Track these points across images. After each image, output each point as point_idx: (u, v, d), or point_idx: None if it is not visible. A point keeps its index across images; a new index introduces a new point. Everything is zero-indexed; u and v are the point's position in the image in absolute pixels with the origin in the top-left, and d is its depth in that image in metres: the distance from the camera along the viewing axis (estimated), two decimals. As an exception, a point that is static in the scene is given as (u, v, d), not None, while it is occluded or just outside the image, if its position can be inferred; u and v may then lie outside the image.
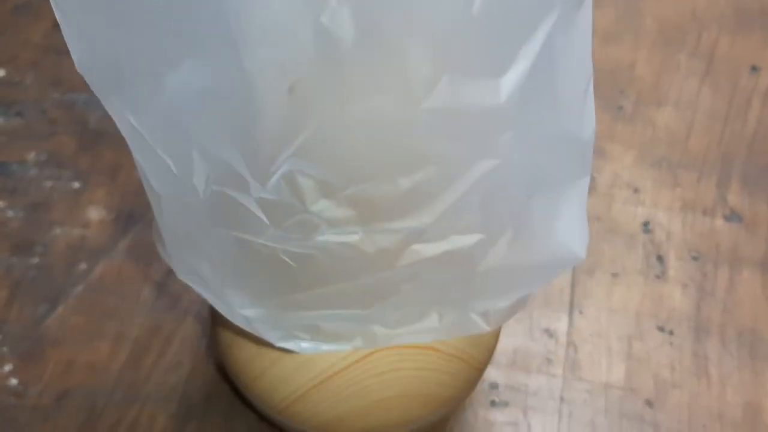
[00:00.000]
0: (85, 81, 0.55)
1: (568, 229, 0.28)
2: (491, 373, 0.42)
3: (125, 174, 0.50)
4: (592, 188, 0.50)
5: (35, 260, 0.46)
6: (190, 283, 0.30)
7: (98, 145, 0.52)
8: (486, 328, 0.30)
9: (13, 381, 0.41)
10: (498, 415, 0.40)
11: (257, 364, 0.32)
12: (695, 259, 0.47)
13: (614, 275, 0.46)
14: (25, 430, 0.40)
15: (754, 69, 0.56)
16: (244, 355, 0.32)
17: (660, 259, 0.47)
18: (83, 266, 0.46)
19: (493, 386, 0.41)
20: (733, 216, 0.49)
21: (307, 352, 0.30)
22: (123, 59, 0.22)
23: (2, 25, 0.58)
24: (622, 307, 0.45)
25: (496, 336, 0.35)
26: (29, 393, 0.41)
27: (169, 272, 0.45)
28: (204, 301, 0.44)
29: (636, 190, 0.50)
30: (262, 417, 0.40)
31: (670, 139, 0.52)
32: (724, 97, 0.55)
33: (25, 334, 0.43)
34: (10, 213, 0.48)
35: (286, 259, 0.26)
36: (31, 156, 0.51)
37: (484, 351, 0.34)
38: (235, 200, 0.24)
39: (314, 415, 0.32)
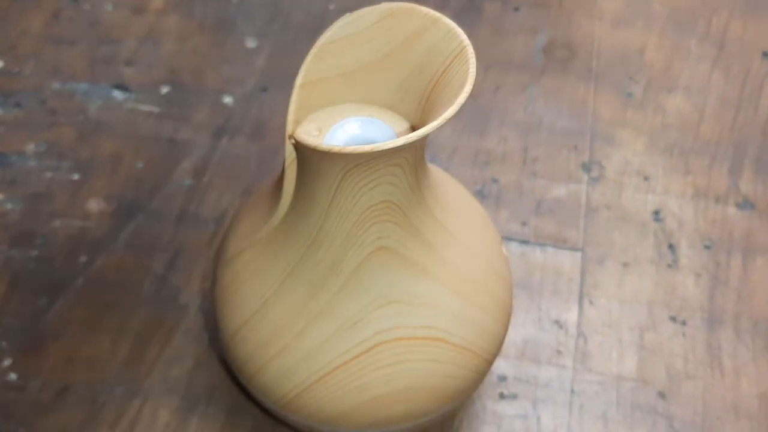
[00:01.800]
0: (85, 70, 0.54)
1: None
2: (500, 365, 0.41)
3: (126, 164, 0.49)
4: (601, 175, 0.49)
5: (35, 252, 0.45)
6: None
7: (98, 135, 0.51)
8: None
9: (13, 376, 0.41)
10: (507, 408, 0.40)
11: (260, 356, 0.31)
12: (708, 247, 0.46)
13: (625, 264, 0.45)
14: (24, 426, 0.39)
15: (766, 54, 0.55)
16: (246, 347, 0.32)
17: (672, 247, 0.46)
18: (83, 258, 0.45)
19: (502, 378, 0.40)
20: (746, 203, 0.47)
21: None
22: None
23: (1, 14, 0.57)
24: (634, 297, 0.44)
25: (505, 326, 0.34)
26: (29, 388, 0.40)
27: (170, 265, 0.45)
28: (206, 293, 0.43)
29: (646, 178, 0.49)
30: (266, 411, 0.39)
31: (681, 125, 0.51)
32: (735, 82, 0.54)
33: (24, 328, 0.42)
34: (9, 205, 0.47)
35: None
36: (30, 147, 0.50)
37: (493, 342, 0.33)
38: None
39: (318, 409, 0.31)
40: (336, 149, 0.25)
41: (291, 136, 0.28)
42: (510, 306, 0.34)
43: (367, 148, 0.25)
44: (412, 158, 0.27)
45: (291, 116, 0.28)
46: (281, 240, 0.30)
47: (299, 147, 0.27)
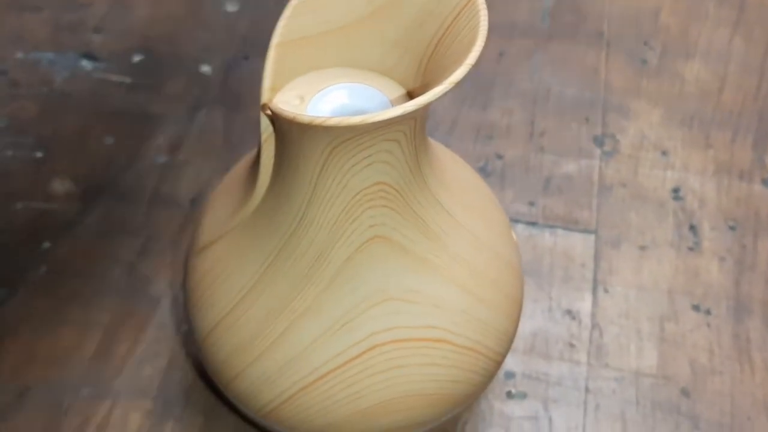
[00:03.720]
0: (50, 38, 0.50)
1: None
2: (507, 361, 0.37)
3: (94, 141, 0.45)
4: (615, 150, 0.45)
5: (-7, 239, 0.41)
6: None
7: (64, 108, 0.46)
8: None
9: (-33, 376, 0.37)
10: (515, 408, 0.36)
11: (237, 361, 0.27)
12: (732, 228, 0.42)
13: (642, 248, 0.41)
14: (-21, 433, 0.35)
15: (791, 16, 0.51)
16: (222, 351, 0.28)
17: (693, 229, 0.42)
18: (46, 245, 0.41)
19: (510, 376, 0.37)
20: (772, 180, 0.44)
21: None
22: None
23: (-43, -23, 0.52)
24: (653, 283, 0.40)
25: (515, 323, 0.30)
26: (-15, 390, 0.36)
27: (142, 251, 0.40)
28: (182, 284, 0.39)
29: (664, 152, 0.45)
30: (247, 418, 0.35)
31: (700, 94, 0.47)
32: (758, 47, 0.49)
33: (-20, 323, 0.38)
34: (-36, 186, 0.43)
35: None
36: (-11, 122, 0.46)
37: (502, 340, 0.29)
38: None
39: (304, 420, 0.27)
40: (319, 121, 0.21)
41: (266, 106, 0.23)
42: (521, 300, 0.30)
43: (356, 119, 0.20)
44: (411, 132, 0.23)
45: (267, 83, 0.24)
46: (259, 228, 0.26)
47: (276, 119, 0.23)
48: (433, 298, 0.26)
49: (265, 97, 0.24)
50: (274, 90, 0.25)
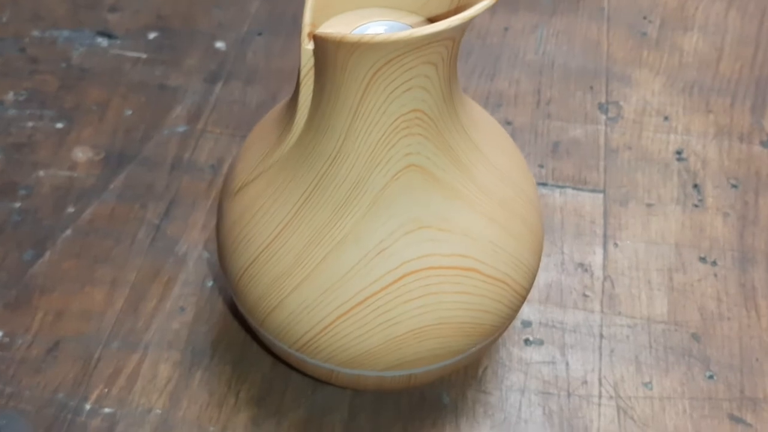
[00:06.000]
0: (67, 16, 0.51)
1: None
2: (523, 310, 0.38)
3: (113, 112, 0.46)
4: (619, 116, 0.46)
5: (18, 204, 0.42)
6: None
7: (82, 82, 0.47)
8: None
9: (-2, 332, 0.37)
10: (534, 354, 0.37)
11: (275, 292, 0.28)
12: (734, 186, 0.43)
13: (649, 205, 0.42)
14: (12, 385, 0.36)
15: (783, -8, 0.53)
16: (260, 284, 0.29)
17: (697, 187, 0.43)
18: (71, 209, 0.42)
19: (527, 324, 0.38)
20: (770, 142, 0.45)
21: None
22: None
23: (-27, -40, 0.53)
24: (660, 238, 0.41)
25: (538, 258, 0.31)
26: (16, 344, 0.37)
27: (165, 214, 0.41)
28: (207, 243, 0.40)
29: (667, 117, 0.46)
30: (278, 358, 0.36)
31: (699, 64, 0.49)
32: (753, 20, 0.51)
33: (10, 282, 0.39)
34: (-12, 155, 0.44)
35: None
36: (10, 95, 0.47)
37: (527, 274, 0.30)
38: None
39: (340, 349, 0.28)
40: (368, 38, 0.22)
41: (311, 35, 0.25)
42: (542, 237, 0.31)
43: (405, 33, 0.22)
44: (447, 55, 0.24)
45: (307, 18, 0.25)
46: (298, 162, 0.27)
47: (320, 47, 0.24)
48: (463, 228, 0.28)
49: (306, 31, 0.25)
50: (314, 27, 0.26)
